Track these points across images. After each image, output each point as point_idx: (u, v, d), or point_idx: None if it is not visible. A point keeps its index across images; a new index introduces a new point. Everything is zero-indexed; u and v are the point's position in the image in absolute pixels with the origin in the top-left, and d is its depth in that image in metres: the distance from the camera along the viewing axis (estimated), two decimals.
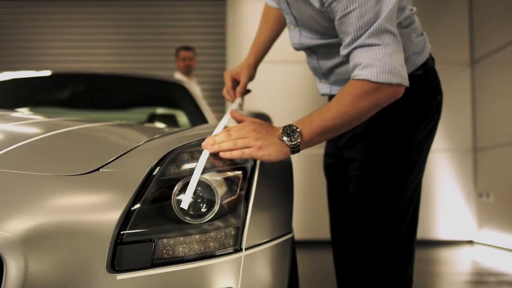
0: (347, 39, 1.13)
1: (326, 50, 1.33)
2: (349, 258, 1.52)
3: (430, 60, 1.37)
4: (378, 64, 1.07)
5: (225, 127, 1.18)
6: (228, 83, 1.61)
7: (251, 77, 1.63)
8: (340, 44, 1.18)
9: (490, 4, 5.83)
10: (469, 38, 6.23)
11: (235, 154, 1.05)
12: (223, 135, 1.08)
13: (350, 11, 1.09)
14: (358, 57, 1.10)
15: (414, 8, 1.34)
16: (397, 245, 1.40)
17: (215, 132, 1.13)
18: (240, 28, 6.16)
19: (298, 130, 1.09)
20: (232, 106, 1.46)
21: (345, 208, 1.54)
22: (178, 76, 5.18)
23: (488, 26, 5.86)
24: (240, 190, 1.03)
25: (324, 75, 1.42)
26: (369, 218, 1.40)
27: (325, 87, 1.44)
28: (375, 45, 1.09)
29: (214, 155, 1.07)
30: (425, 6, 6.26)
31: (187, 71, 5.25)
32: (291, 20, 1.36)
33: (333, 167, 1.56)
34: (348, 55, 1.15)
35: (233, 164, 1.08)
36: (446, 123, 6.14)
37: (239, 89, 1.59)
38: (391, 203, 1.38)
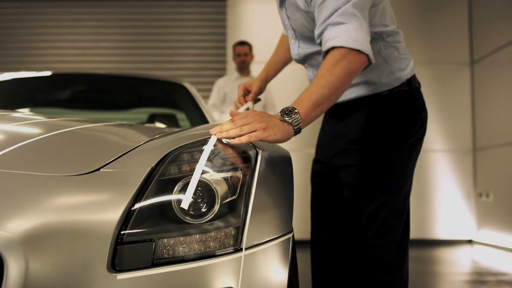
0: (321, 19, 1.27)
1: (319, 59, 1.47)
2: (337, 260, 1.58)
3: (415, 81, 1.50)
4: (344, 35, 1.21)
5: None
6: (240, 92, 1.77)
7: (261, 90, 1.79)
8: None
9: (489, 4, 5.83)
10: (468, 38, 6.23)
11: (243, 139, 1.10)
12: (228, 123, 1.14)
13: (322, 1, 1.27)
14: (327, 33, 1.25)
15: (400, 32, 1.51)
16: (394, 245, 1.45)
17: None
18: (240, 28, 6.16)
19: (295, 109, 1.16)
20: (240, 110, 1.63)
21: (330, 212, 1.62)
22: (235, 74, 5.02)
23: (487, 26, 5.86)
24: (240, 190, 1.03)
25: None
26: (367, 218, 1.45)
27: None
28: (342, 23, 1.23)
29: (214, 155, 1.08)
30: (425, 6, 6.26)
31: (242, 67, 4.92)
32: (292, 34, 1.53)
33: (321, 174, 1.63)
34: (319, 37, 1.29)
35: (233, 164, 1.09)
36: (446, 123, 6.14)
37: (250, 95, 1.75)
38: (387, 203, 1.43)
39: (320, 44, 1.30)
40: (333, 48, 1.22)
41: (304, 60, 1.55)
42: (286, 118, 1.15)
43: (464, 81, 6.21)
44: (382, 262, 1.45)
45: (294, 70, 2.96)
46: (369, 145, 1.43)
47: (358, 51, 1.21)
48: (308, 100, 1.18)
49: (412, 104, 1.41)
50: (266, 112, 1.50)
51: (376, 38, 1.44)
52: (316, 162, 1.67)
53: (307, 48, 1.50)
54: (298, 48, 1.53)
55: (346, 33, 1.21)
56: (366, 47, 1.22)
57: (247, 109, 1.69)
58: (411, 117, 1.42)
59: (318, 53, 1.46)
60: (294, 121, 1.15)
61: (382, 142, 1.43)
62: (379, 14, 1.43)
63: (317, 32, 1.29)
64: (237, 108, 1.74)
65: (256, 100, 1.79)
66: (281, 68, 1.84)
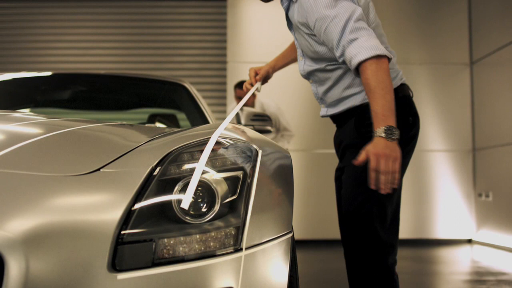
0: (334, 42, 1.51)
1: (320, 76, 1.70)
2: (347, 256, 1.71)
3: (405, 90, 1.67)
4: (363, 50, 1.44)
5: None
6: (251, 73, 2.01)
7: (268, 75, 2.02)
8: (327, 70, 1.65)
9: (489, 4, 5.84)
10: (468, 38, 6.23)
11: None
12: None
13: (327, 25, 1.50)
14: (347, 53, 1.48)
15: (394, 52, 1.69)
16: (379, 234, 1.59)
17: (222, 127, 1.21)
18: (240, 28, 6.16)
19: (392, 126, 1.41)
20: (252, 89, 1.94)
21: (339, 212, 1.77)
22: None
23: (487, 26, 5.86)
24: (240, 190, 1.03)
25: (321, 99, 1.76)
26: (354, 208, 1.61)
27: (323, 110, 1.77)
28: (355, 39, 1.46)
29: (215, 155, 1.08)
30: (425, 6, 6.26)
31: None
32: (300, 53, 1.76)
33: (339, 179, 1.76)
34: (341, 57, 1.52)
35: (233, 164, 1.09)
36: (446, 123, 6.15)
37: (259, 76, 1.99)
38: (373, 196, 1.54)
39: (344, 63, 1.56)
40: (360, 64, 1.45)
41: (308, 76, 1.76)
42: (395, 137, 1.41)
43: (464, 81, 6.21)
44: (365, 248, 1.60)
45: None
46: (361, 147, 1.50)
47: (379, 55, 1.44)
48: (390, 112, 1.42)
49: (399, 110, 1.49)
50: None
51: None
52: (336, 169, 1.78)
53: (310, 66, 1.71)
54: (303, 65, 1.74)
55: (363, 47, 1.44)
56: (382, 50, 1.45)
57: (257, 89, 1.99)
58: (398, 122, 1.49)
59: (318, 70, 1.69)
60: (399, 134, 1.42)
61: None
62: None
63: (337, 54, 1.53)
64: (248, 89, 1.99)
65: (263, 82, 2.04)
66: (289, 62, 2.03)
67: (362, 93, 1.62)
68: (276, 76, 2.15)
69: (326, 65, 1.64)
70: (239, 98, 4.65)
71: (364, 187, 1.50)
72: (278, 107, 4.64)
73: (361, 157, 1.42)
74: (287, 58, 2.01)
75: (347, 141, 1.66)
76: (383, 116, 1.41)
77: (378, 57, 1.43)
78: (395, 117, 1.42)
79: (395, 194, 1.60)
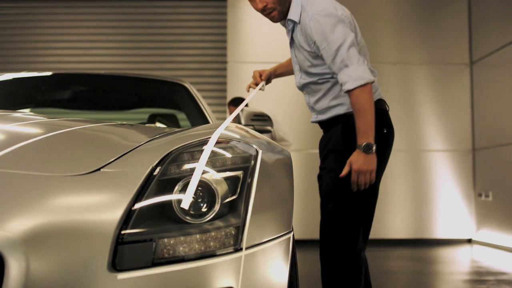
0: (329, 61, 1.83)
1: (312, 88, 2.00)
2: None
3: (382, 104, 1.94)
4: (351, 79, 1.78)
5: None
6: (256, 73, 2.26)
7: (270, 76, 2.27)
8: (318, 83, 1.95)
9: (489, 4, 5.84)
10: (468, 38, 6.23)
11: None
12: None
13: (325, 46, 1.81)
14: (340, 77, 1.82)
15: (375, 71, 1.98)
16: (348, 226, 1.88)
17: (222, 127, 1.23)
18: (240, 28, 6.16)
19: (371, 143, 1.77)
20: (257, 88, 2.17)
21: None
22: None
23: (487, 26, 5.86)
24: (240, 190, 1.04)
25: (312, 108, 2.05)
26: (333, 205, 1.90)
27: (314, 117, 2.07)
28: (347, 66, 1.79)
29: (215, 155, 1.08)
30: (425, 6, 6.26)
31: None
32: (297, 68, 2.03)
33: (320, 177, 2.04)
34: (335, 74, 1.85)
35: (234, 164, 1.09)
36: (446, 123, 6.15)
37: (263, 76, 2.24)
38: (348, 202, 1.87)
39: (332, 76, 1.91)
40: (348, 90, 1.79)
41: (303, 87, 2.04)
42: (372, 152, 1.78)
43: (464, 81, 6.21)
44: (334, 238, 1.89)
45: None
46: (342, 152, 1.88)
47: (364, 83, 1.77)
48: (369, 129, 1.78)
49: (376, 121, 1.82)
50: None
51: None
52: (319, 167, 2.06)
53: (305, 79, 1.99)
54: (300, 79, 2.02)
55: (352, 77, 1.77)
56: (368, 78, 1.78)
57: (262, 87, 2.20)
58: (375, 131, 1.82)
59: (312, 83, 1.98)
60: (375, 149, 1.78)
61: (352, 149, 1.84)
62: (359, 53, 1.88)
63: (333, 69, 1.84)
64: (253, 88, 2.22)
65: (267, 81, 2.26)
66: (287, 72, 2.29)
67: (346, 104, 1.91)
68: (272, 88, 2.25)
69: (318, 79, 1.94)
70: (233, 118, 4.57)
71: (343, 186, 1.84)
72: (274, 119, 4.62)
73: (345, 171, 1.81)
74: (286, 67, 2.28)
75: (331, 146, 1.95)
76: (364, 133, 1.77)
77: (362, 85, 1.76)
78: (373, 133, 1.78)
79: (371, 192, 1.89)
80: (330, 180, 1.91)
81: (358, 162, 1.78)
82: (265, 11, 1.89)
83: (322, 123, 2.04)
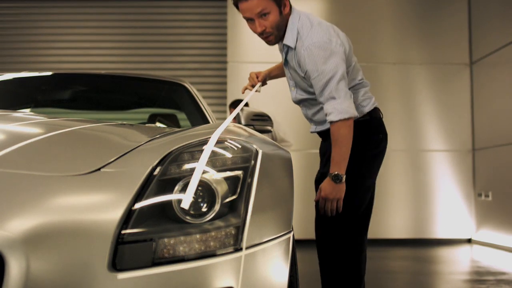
0: (318, 91, 1.90)
1: (310, 102, 2.08)
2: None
3: (377, 113, 2.05)
4: (336, 112, 1.85)
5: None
6: (253, 74, 2.30)
7: (265, 78, 2.32)
8: (315, 99, 2.00)
9: (488, 4, 5.84)
10: (468, 38, 6.23)
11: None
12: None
13: (316, 76, 1.88)
14: (326, 107, 1.89)
15: (365, 81, 2.06)
16: (349, 228, 1.97)
17: (222, 127, 1.23)
18: (240, 28, 6.16)
19: (341, 174, 1.86)
20: (254, 89, 2.21)
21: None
22: None
23: (487, 26, 5.86)
24: (241, 189, 1.04)
25: (310, 119, 2.15)
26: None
27: (312, 128, 2.16)
28: (334, 98, 1.86)
29: (215, 155, 1.08)
30: (425, 6, 6.26)
31: None
32: (292, 84, 2.11)
33: (319, 181, 2.07)
34: (321, 103, 1.92)
35: (234, 164, 1.09)
36: (445, 123, 6.15)
37: (260, 78, 2.28)
38: (347, 197, 1.92)
39: (321, 107, 1.98)
40: (332, 121, 1.86)
41: (299, 102, 2.13)
42: (340, 182, 1.86)
43: (464, 81, 6.21)
44: (337, 238, 1.97)
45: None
46: None
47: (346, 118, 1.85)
48: (342, 160, 1.86)
49: (371, 128, 1.99)
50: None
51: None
52: (318, 172, 2.14)
53: (301, 95, 2.08)
54: (296, 94, 2.11)
55: (337, 109, 1.84)
56: (352, 113, 1.85)
57: (259, 88, 2.25)
58: (370, 137, 2.00)
59: (309, 99, 2.06)
60: (344, 179, 1.87)
61: (352, 156, 1.91)
62: (352, 71, 2.01)
63: (320, 99, 1.91)
64: (250, 89, 2.27)
65: (263, 83, 2.31)
66: (282, 74, 2.31)
67: None
68: (272, 89, 2.25)
69: (315, 96, 2.01)
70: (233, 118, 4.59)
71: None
72: (275, 120, 4.62)
73: (317, 197, 1.93)
74: (280, 69, 2.30)
75: (330, 152, 2.00)
76: (337, 163, 1.86)
77: (346, 118, 1.84)
78: (345, 165, 1.86)
79: (369, 192, 2.02)
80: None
81: (327, 190, 1.88)
82: (263, 35, 1.93)
83: (320, 133, 2.12)
